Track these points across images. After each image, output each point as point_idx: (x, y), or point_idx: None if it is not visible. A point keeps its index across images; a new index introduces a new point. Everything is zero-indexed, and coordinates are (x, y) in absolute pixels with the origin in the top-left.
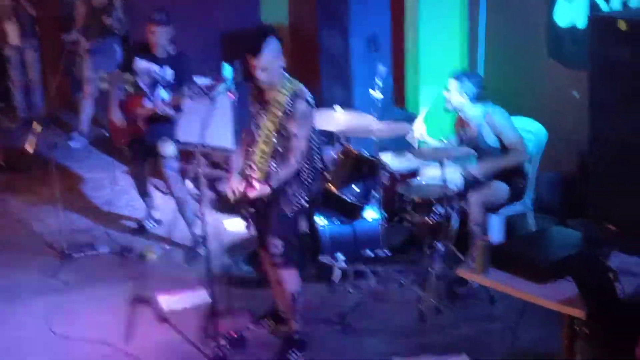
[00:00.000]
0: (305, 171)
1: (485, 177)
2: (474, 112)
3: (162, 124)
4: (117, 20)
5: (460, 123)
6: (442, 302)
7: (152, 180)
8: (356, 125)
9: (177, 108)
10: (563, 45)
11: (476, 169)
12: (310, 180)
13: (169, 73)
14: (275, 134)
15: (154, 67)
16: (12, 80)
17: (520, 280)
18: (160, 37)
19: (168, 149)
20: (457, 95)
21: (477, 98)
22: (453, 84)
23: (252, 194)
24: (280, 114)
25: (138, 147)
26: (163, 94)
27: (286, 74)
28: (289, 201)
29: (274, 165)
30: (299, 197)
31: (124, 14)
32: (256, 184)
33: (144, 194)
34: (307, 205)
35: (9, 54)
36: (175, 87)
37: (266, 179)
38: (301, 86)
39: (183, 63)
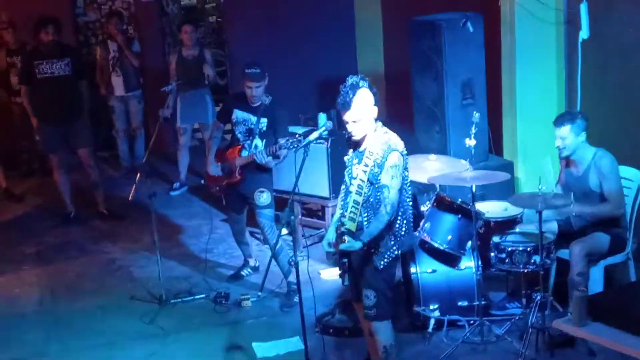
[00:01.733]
0: (397, 223)
1: (581, 224)
2: (586, 152)
3: (259, 173)
4: (208, 72)
5: (566, 162)
6: (539, 354)
7: (249, 228)
8: (450, 173)
9: (275, 157)
10: None
11: (574, 206)
12: (403, 233)
13: (263, 122)
14: (368, 185)
15: (251, 118)
16: (116, 130)
17: (619, 333)
18: (255, 90)
19: (263, 198)
20: (575, 138)
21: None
22: (567, 128)
23: (342, 248)
24: (372, 164)
25: (234, 196)
26: (258, 142)
27: (380, 123)
28: (381, 254)
29: (367, 216)
30: (391, 250)
31: (214, 66)
32: (347, 238)
33: (241, 241)
34: (399, 257)
35: (114, 104)
36: (269, 136)
37: (357, 229)
38: (395, 136)
39: (277, 112)
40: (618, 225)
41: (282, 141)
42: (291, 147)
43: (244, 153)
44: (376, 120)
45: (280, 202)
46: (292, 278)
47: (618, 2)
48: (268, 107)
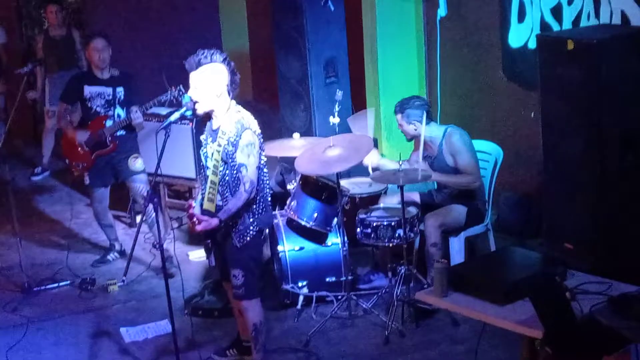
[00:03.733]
0: (255, 201)
1: (442, 197)
2: (433, 132)
3: (129, 139)
4: (77, 52)
5: (417, 146)
6: (405, 325)
7: (113, 212)
8: (315, 156)
9: (148, 117)
10: (516, 65)
11: (434, 175)
12: (260, 210)
13: (120, 92)
14: (223, 164)
15: (106, 90)
16: None
17: (479, 302)
18: (102, 54)
19: (138, 163)
20: (408, 126)
21: (429, 117)
22: (399, 118)
23: (199, 227)
24: (226, 143)
25: (101, 168)
26: (120, 112)
27: (234, 102)
28: (240, 232)
29: (224, 196)
30: (250, 228)
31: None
32: (203, 218)
33: (105, 224)
34: (263, 235)
35: None
36: (128, 105)
37: (216, 210)
38: (249, 115)
39: (132, 81)
40: (475, 197)
41: (154, 100)
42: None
43: (109, 122)
44: (230, 97)
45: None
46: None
47: None
48: (120, 77)
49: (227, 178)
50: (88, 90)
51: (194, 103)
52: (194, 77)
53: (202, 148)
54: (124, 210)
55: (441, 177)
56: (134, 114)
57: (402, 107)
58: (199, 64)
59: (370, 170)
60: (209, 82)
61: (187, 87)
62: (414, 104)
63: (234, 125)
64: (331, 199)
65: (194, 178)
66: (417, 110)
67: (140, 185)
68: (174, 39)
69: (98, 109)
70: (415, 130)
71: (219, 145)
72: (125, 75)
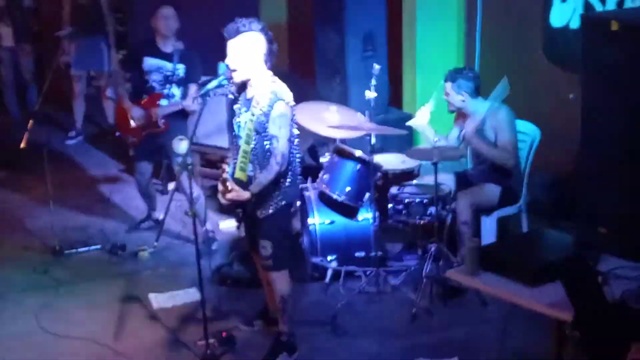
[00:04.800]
0: (284, 174)
1: (477, 175)
2: (478, 107)
3: (179, 121)
4: (103, 17)
5: (462, 117)
6: (433, 304)
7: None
8: (349, 125)
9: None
10: (557, 45)
11: (471, 137)
12: (287, 184)
13: (180, 69)
14: (255, 134)
15: (166, 65)
16: (2, 81)
17: (509, 283)
18: (170, 22)
19: (182, 145)
20: (456, 96)
21: (477, 92)
22: (448, 86)
23: (230, 195)
24: (259, 112)
25: (149, 145)
26: (176, 91)
27: (270, 73)
28: (265, 203)
29: (255, 166)
30: (275, 200)
31: (112, 11)
32: (235, 188)
33: (146, 194)
34: (291, 207)
35: (1, 55)
36: (186, 83)
37: (247, 180)
38: (283, 86)
39: (194, 58)
40: (510, 177)
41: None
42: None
43: (164, 102)
44: (266, 67)
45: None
46: (208, 226)
47: None
48: (184, 53)
49: (258, 148)
50: (148, 62)
51: (231, 71)
52: (232, 44)
53: (235, 117)
54: (157, 177)
55: (479, 143)
56: (186, 102)
57: (454, 75)
58: (237, 32)
59: (414, 126)
60: (247, 51)
61: (221, 58)
62: (467, 74)
63: (267, 95)
64: (364, 174)
65: (227, 148)
66: (468, 82)
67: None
68: (212, 7)
69: (154, 85)
70: (463, 101)
71: (252, 115)
72: (188, 53)
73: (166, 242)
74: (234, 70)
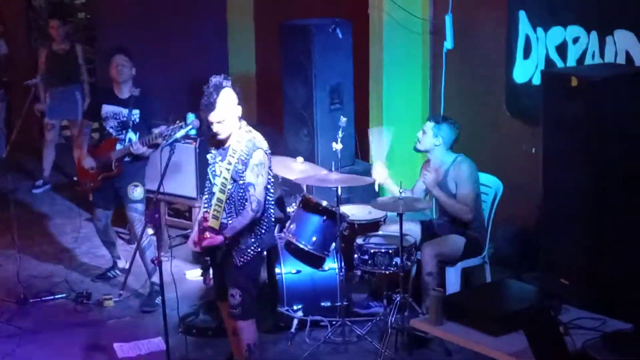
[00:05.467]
0: (259, 221)
1: (442, 227)
2: (445, 157)
3: (134, 167)
4: (79, 67)
5: (427, 165)
6: (398, 353)
7: (115, 228)
8: (316, 175)
9: (151, 147)
10: (519, 100)
11: (435, 190)
12: (263, 231)
13: (136, 114)
14: (232, 182)
15: (122, 111)
16: None
17: (473, 332)
18: (124, 70)
19: (137, 192)
20: (432, 138)
21: (451, 146)
22: (430, 125)
23: (204, 244)
24: (236, 161)
25: (106, 191)
26: (132, 136)
27: (244, 122)
28: (241, 251)
29: (230, 214)
30: (252, 247)
31: (85, 62)
32: (208, 234)
33: (106, 241)
34: (262, 256)
35: None
36: (142, 128)
37: (221, 228)
38: (259, 135)
39: (148, 103)
40: (474, 229)
41: (156, 130)
42: (171, 134)
43: (119, 146)
44: (240, 119)
45: (147, 201)
46: (156, 279)
47: (481, 16)
48: (139, 98)
49: (234, 196)
50: (105, 109)
51: (217, 124)
52: (219, 100)
53: (210, 166)
54: (123, 226)
55: (439, 193)
56: (134, 145)
57: (440, 119)
58: (220, 87)
59: (376, 186)
60: (229, 104)
61: (190, 110)
62: (453, 124)
63: (244, 144)
64: (330, 224)
65: (194, 197)
66: (450, 132)
67: (135, 215)
68: (182, 60)
69: (111, 130)
70: (436, 145)
71: (229, 164)
72: (144, 97)
73: (132, 291)
74: (219, 123)
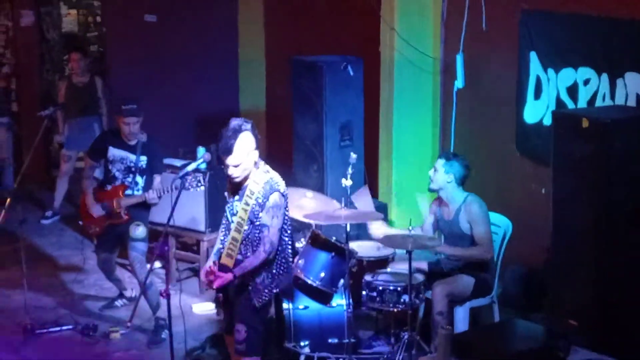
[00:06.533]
0: (276, 262)
1: (451, 266)
2: (456, 194)
3: (141, 210)
4: (98, 100)
5: (439, 202)
6: None
7: (120, 260)
8: (325, 211)
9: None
10: (530, 141)
11: (444, 247)
12: (280, 272)
13: (143, 160)
14: (248, 223)
15: (129, 156)
16: None
17: None
18: (133, 127)
19: (139, 231)
20: (444, 175)
21: (462, 182)
22: (441, 163)
23: (215, 285)
24: (253, 202)
25: (111, 235)
26: (139, 180)
27: (262, 162)
28: (258, 292)
29: (244, 253)
30: (269, 287)
31: (104, 95)
32: (220, 274)
33: (111, 279)
34: (274, 296)
35: None
36: (148, 173)
37: (233, 266)
38: (277, 176)
39: (156, 150)
40: (485, 269)
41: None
42: (188, 187)
43: (128, 192)
44: (257, 163)
45: (155, 234)
46: (161, 314)
47: (492, 55)
48: (146, 144)
49: (250, 237)
50: (112, 152)
51: (234, 167)
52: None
53: (228, 204)
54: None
55: (453, 250)
56: (150, 195)
57: (451, 155)
58: (239, 131)
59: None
60: (247, 147)
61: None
62: (463, 161)
63: (262, 185)
64: (339, 260)
65: (203, 231)
66: (461, 168)
67: (136, 255)
68: (193, 94)
69: (117, 174)
70: (448, 182)
71: (246, 204)
72: (151, 144)
73: (139, 323)
74: (235, 167)
